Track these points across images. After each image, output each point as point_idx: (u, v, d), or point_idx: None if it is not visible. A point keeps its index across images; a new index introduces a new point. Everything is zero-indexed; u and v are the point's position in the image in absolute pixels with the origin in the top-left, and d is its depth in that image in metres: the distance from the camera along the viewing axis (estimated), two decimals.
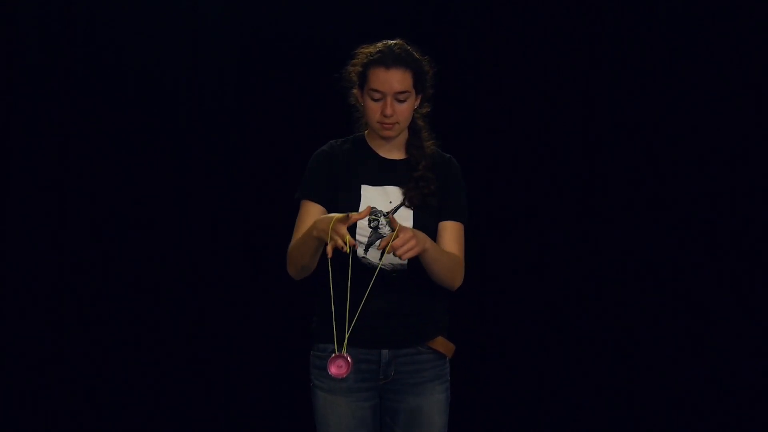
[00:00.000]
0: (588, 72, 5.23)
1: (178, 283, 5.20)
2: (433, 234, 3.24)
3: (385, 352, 3.21)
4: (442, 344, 3.26)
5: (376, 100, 3.18)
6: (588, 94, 5.23)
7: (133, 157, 5.19)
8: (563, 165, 5.21)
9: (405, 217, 3.20)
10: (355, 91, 3.27)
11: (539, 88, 5.22)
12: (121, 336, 5.18)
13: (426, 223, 3.22)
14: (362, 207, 3.19)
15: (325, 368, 3.16)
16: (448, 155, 3.37)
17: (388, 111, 3.17)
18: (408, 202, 3.22)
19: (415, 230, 3.01)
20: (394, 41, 3.25)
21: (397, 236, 2.94)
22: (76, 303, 5.17)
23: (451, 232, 3.25)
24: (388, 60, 3.17)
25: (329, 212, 3.19)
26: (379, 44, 3.24)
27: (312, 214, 3.21)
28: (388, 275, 3.18)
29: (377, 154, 3.29)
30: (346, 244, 2.89)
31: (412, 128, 3.31)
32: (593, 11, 5.22)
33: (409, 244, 2.95)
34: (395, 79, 3.16)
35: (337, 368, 3.02)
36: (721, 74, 5.13)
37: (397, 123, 3.20)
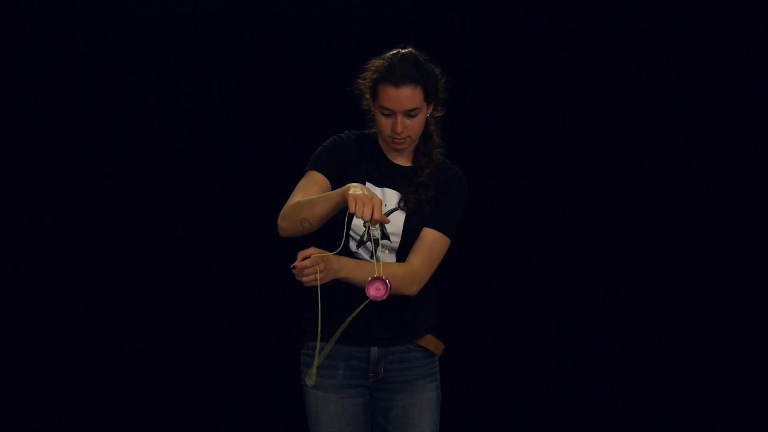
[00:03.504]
0: (592, 75, 5.23)
1: (175, 283, 5.20)
2: None
3: (374, 349, 3.23)
4: (432, 342, 3.29)
5: (386, 116, 3.18)
6: (591, 96, 5.23)
7: (133, 155, 5.20)
8: (558, 165, 5.22)
9: (396, 223, 3.21)
10: (367, 97, 3.26)
11: (540, 90, 5.23)
12: (116, 336, 5.17)
13: (416, 229, 3.22)
14: None
15: (313, 365, 3.20)
16: (457, 168, 3.34)
17: (399, 129, 3.16)
18: (402, 204, 3.22)
19: (331, 259, 2.97)
20: (405, 50, 3.22)
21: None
22: (72, 302, 5.16)
23: (424, 240, 3.19)
24: (397, 78, 3.14)
25: (334, 189, 3.14)
26: (389, 54, 3.21)
27: (316, 181, 3.19)
28: None
29: (385, 156, 3.30)
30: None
31: (423, 133, 3.29)
32: (596, 13, 5.22)
33: (309, 270, 2.93)
34: (405, 97, 3.14)
35: (375, 290, 2.96)
36: (722, 74, 5.14)
37: (408, 137, 3.20)
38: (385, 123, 3.19)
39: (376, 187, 3.24)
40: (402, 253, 3.21)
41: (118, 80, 5.18)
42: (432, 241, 3.19)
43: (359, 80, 3.26)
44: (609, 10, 5.20)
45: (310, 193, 3.14)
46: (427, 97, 3.20)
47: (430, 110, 3.25)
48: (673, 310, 5.17)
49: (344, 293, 3.13)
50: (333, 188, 3.16)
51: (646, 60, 5.17)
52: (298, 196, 3.14)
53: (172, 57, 5.21)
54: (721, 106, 5.14)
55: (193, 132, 5.23)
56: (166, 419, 5.21)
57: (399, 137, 3.18)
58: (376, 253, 3.05)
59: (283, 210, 3.13)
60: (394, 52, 3.23)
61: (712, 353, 5.15)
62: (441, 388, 3.32)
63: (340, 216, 3.08)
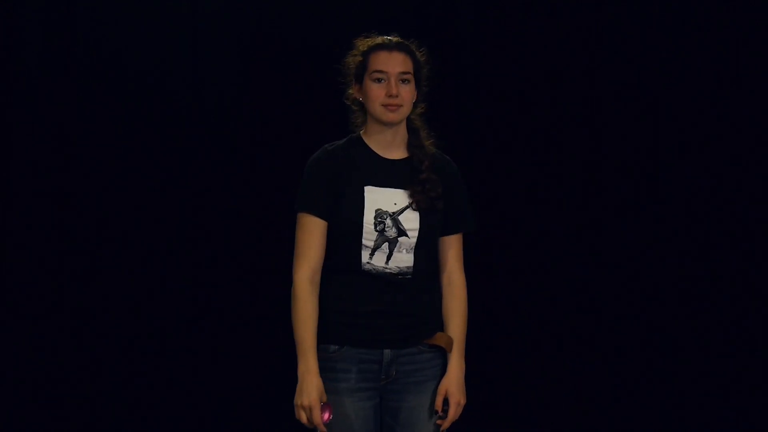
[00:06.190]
0: (590, 70, 5.24)
1: (177, 283, 5.20)
2: (438, 232, 3.28)
3: (387, 351, 3.22)
4: (442, 338, 3.28)
5: (379, 81, 3.19)
6: (590, 92, 5.24)
7: (133, 155, 5.19)
8: (564, 164, 5.23)
9: (411, 219, 3.21)
10: (352, 89, 3.27)
11: (540, 86, 5.23)
12: (118, 337, 5.17)
13: (432, 225, 3.25)
14: (367, 208, 3.19)
15: (326, 369, 3.21)
16: (447, 157, 3.37)
17: (393, 91, 3.17)
18: (415, 205, 3.22)
19: (451, 381, 3.24)
20: (390, 36, 3.28)
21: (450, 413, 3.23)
22: (72, 302, 5.15)
23: (453, 248, 3.32)
24: (389, 44, 3.22)
25: (330, 224, 3.20)
26: (376, 36, 3.28)
27: (313, 229, 3.20)
28: (394, 278, 3.20)
29: (377, 154, 3.28)
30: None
31: (411, 128, 3.30)
32: (595, 10, 5.23)
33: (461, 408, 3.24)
34: (398, 60, 3.19)
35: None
36: (721, 74, 5.14)
37: (402, 105, 3.20)
38: (377, 90, 3.19)
39: (381, 188, 3.23)
40: (420, 249, 3.22)
41: (118, 80, 5.17)
42: (460, 245, 3.33)
43: (348, 58, 3.29)
44: (610, 9, 5.21)
45: (313, 245, 3.19)
46: (416, 72, 3.23)
47: (415, 97, 3.25)
48: (674, 310, 5.18)
49: (355, 296, 3.17)
50: (329, 222, 3.20)
51: (646, 59, 5.18)
52: (303, 259, 3.19)
53: (172, 57, 5.20)
54: (724, 108, 5.15)
55: (193, 132, 5.23)
56: (172, 420, 5.20)
57: (393, 102, 3.18)
58: None
59: (294, 281, 3.22)
60: (381, 36, 3.28)
61: (712, 354, 5.16)
62: None
63: (347, 232, 3.17)
